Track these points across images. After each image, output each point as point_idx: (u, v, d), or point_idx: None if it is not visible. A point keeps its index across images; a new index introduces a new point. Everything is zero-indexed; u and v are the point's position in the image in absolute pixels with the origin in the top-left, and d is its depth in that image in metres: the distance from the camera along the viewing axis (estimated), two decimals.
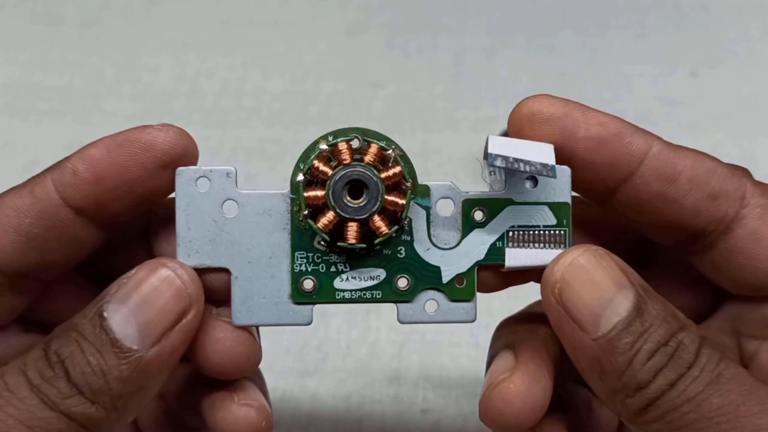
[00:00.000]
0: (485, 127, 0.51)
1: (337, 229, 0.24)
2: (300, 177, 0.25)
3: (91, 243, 0.26)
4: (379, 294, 0.26)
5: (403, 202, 0.25)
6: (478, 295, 0.26)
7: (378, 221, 0.24)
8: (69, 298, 0.27)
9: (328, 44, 0.59)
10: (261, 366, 0.37)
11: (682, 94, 0.55)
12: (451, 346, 0.42)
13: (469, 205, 0.26)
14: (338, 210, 0.24)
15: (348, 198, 0.24)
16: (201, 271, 0.25)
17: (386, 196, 0.25)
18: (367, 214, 0.24)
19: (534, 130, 0.25)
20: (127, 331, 0.22)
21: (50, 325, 0.24)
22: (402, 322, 0.26)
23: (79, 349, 0.22)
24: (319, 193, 0.24)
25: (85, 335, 0.22)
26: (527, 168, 0.24)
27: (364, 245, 0.25)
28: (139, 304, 0.23)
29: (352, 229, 0.24)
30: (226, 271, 0.25)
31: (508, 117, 0.26)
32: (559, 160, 0.25)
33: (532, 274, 0.26)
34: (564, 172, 0.25)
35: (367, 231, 0.25)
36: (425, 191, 0.26)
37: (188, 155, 0.26)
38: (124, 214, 0.25)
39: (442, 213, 0.26)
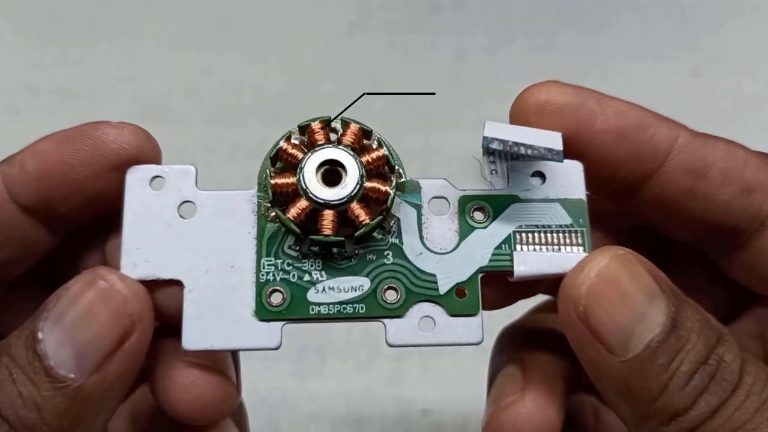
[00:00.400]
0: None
1: (311, 221, 0.21)
2: (268, 169, 0.22)
3: (42, 246, 0.23)
4: (362, 308, 0.22)
5: (387, 189, 0.21)
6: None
7: (357, 209, 0.21)
8: (26, 309, 0.23)
9: (329, 43, 0.59)
10: (261, 366, 0.37)
11: (682, 94, 0.55)
12: (452, 347, 0.42)
13: (467, 203, 0.22)
14: (311, 195, 0.21)
15: (322, 183, 0.21)
16: (150, 284, 0.21)
17: (367, 183, 0.21)
18: (345, 200, 0.21)
19: (543, 123, 0.22)
20: (63, 356, 0.19)
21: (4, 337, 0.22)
22: (391, 345, 0.22)
23: (9, 378, 0.19)
24: (289, 179, 0.21)
25: (17, 361, 0.19)
26: (529, 152, 0.20)
27: (341, 238, 0.21)
28: (75, 325, 0.19)
29: (327, 219, 0.21)
30: (180, 284, 0.21)
31: (510, 108, 0.23)
32: (572, 155, 0.22)
33: (541, 284, 0.23)
34: (576, 167, 0.22)
35: (345, 223, 0.21)
36: (415, 188, 0.22)
37: (145, 157, 0.23)
38: (75, 216, 0.23)
39: (436, 213, 0.22)
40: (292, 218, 0.21)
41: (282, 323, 0.21)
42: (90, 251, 0.24)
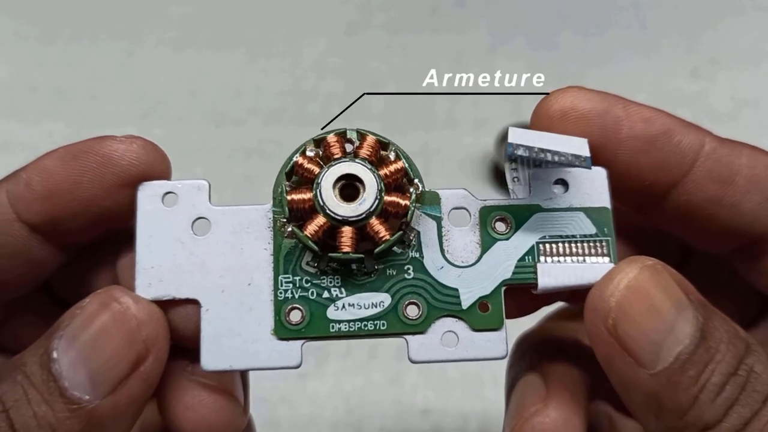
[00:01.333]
0: (486, 127, 0.51)
1: (329, 237, 0.21)
2: (283, 183, 0.21)
3: (50, 264, 0.23)
4: (383, 325, 0.21)
5: (407, 203, 0.21)
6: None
7: (377, 225, 0.20)
8: (35, 325, 0.23)
9: (328, 43, 0.59)
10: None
11: (682, 94, 0.55)
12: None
13: (488, 214, 0.21)
14: (328, 211, 0.20)
15: (340, 198, 0.21)
16: (165, 304, 0.21)
17: (386, 197, 0.21)
18: (363, 216, 0.20)
19: (567, 130, 0.21)
20: (77, 378, 0.19)
21: (16, 353, 0.21)
22: (414, 361, 0.21)
23: (24, 398, 0.19)
24: (306, 195, 0.21)
25: (32, 380, 0.19)
26: (555, 159, 0.20)
27: (361, 256, 0.20)
28: (89, 348, 0.19)
29: (345, 236, 0.20)
30: (196, 302, 0.21)
31: (531, 115, 0.22)
32: (597, 163, 0.21)
33: (563, 293, 0.22)
34: (600, 174, 0.21)
35: (364, 238, 0.21)
36: (434, 199, 0.22)
37: (155, 172, 0.22)
38: (84, 233, 0.22)
39: (457, 225, 0.22)
40: (309, 236, 0.20)
41: (302, 342, 0.21)
42: (100, 268, 0.24)
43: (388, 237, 0.20)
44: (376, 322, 0.21)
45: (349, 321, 0.21)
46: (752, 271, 0.23)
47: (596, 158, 0.21)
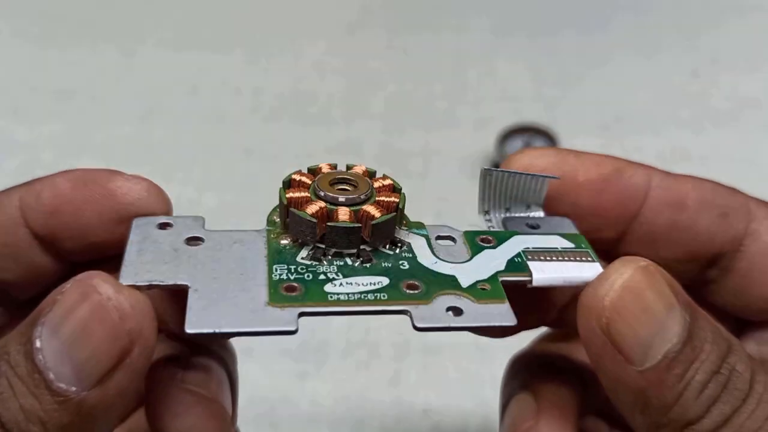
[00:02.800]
0: (486, 127, 0.51)
1: (327, 219, 0.21)
2: (279, 206, 0.22)
3: (50, 273, 0.23)
4: (384, 296, 0.20)
5: (397, 200, 0.21)
6: None
7: (371, 208, 0.21)
8: None
9: (328, 43, 0.59)
10: (260, 366, 0.37)
11: (682, 94, 0.55)
12: (452, 346, 0.42)
13: (473, 236, 0.23)
14: (326, 196, 0.21)
15: (336, 190, 0.22)
16: (151, 293, 0.20)
17: (378, 197, 0.22)
18: (359, 199, 0.21)
19: None
20: (63, 370, 0.18)
21: None
22: (418, 328, 0.20)
23: (10, 390, 0.18)
24: (303, 193, 0.21)
25: (17, 371, 0.18)
26: (529, 177, 0.22)
27: (358, 225, 0.21)
28: (72, 340, 0.19)
29: (343, 212, 0.21)
30: (184, 289, 0.20)
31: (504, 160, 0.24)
32: (564, 209, 0.23)
33: (547, 315, 0.24)
34: (565, 221, 0.23)
35: (360, 222, 0.21)
36: (420, 225, 0.23)
37: (153, 213, 0.22)
38: (81, 255, 0.23)
39: (444, 243, 0.22)
40: (310, 213, 0.21)
41: (299, 309, 0.20)
42: None
43: (381, 215, 0.21)
44: (376, 294, 0.20)
45: (348, 293, 0.20)
46: (718, 292, 0.25)
47: (561, 202, 0.23)
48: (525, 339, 0.29)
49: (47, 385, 0.18)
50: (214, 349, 0.25)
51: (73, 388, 0.18)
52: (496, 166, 0.50)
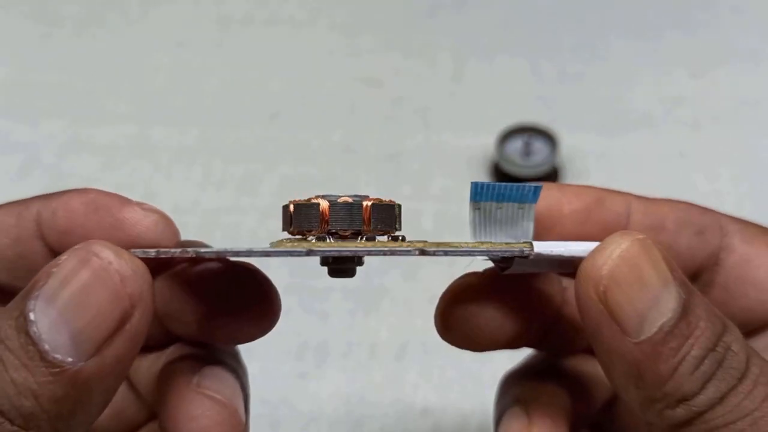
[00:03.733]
0: (486, 127, 0.51)
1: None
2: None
3: None
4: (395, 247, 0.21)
5: (396, 203, 0.23)
6: None
7: (370, 201, 0.22)
8: None
9: (328, 43, 0.59)
10: (260, 366, 0.37)
11: (682, 94, 0.55)
12: (452, 347, 0.42)
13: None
14: (329, 198, 0.22)
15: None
16: (150, 262, 0.21)
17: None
18: (362, 197, 0.22)
19: None
20: (59, 340, 0.18)
21: None
22: (425, 253, 0.21)
23: (1, 365, 0.18)
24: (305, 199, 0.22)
25: (8, 345, 0.18)
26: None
27: (360, 203, 0.22)
28: (69, 307, 0.18)
29: (344, 199, 0.22)
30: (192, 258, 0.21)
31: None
32: (552, 239, 0.24)
33: (526, 335, 0.25)
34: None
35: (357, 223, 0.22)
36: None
37: (161, 245, 0.23)
38: None
39: None
40: (321, 204, 0.21)
41: (308, 248, 0.20)
42: None
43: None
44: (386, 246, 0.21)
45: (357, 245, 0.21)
46: None
47: (549, 234, 0.24)
48: (510, 362, 0.29)
49: (42, 356, 0.18)
50: (228, 361, 0.25)
51: (69, 359, 0.18)
52: (496, 166, 0.50)
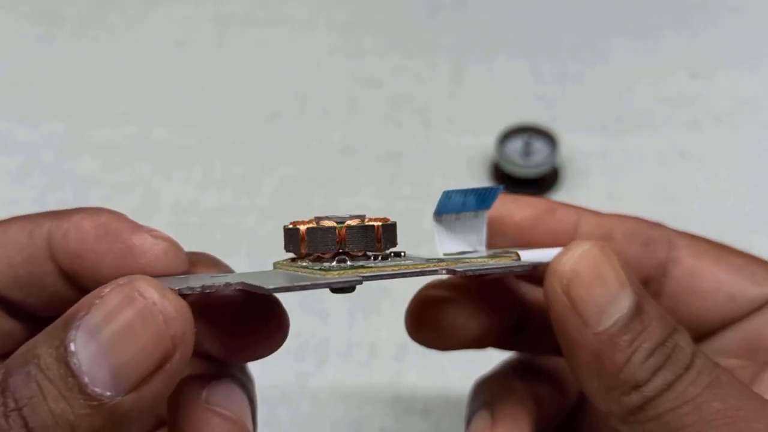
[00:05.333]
0: (486, 127, 0.51)
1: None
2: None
3: (74, 301, 0.22)
4: (421, 264, 0.23)
5: (390, 219, 0.24)
6: None
7: (374, 220, 0.23)
8: None
9: (328, 43, 0.59)
10: (260, 365, 0.37)
11: (682, 94, 0.55)
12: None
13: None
14: (333, 219, 0.23)
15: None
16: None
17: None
18: (359, 215, 0.23)
19: None
20: (99, 374, 0.18)
21: None
22: (450, 269, 0.23)
23: (40, 394, 0.18)
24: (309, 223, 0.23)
25: (48, 375, 0.18)
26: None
27: (373, 224, 0.23)
28: (112, 343, 0.19)
29: (353, 221, 0.23)
30: (234, 294, 0.21)
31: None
32: (504, 245, 0.26)
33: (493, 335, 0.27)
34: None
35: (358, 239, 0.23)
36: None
37: (171, 272, 0.23)
38: None
39: None
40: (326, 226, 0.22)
41: (357, 275, 0.22)
42: None
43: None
44: (412, 263, 0.23)
45: (385, 265, 0.23)
46: None
47: (501, 239, 0.26)
48: (483, 369, 0.30)
49: (81, 389, 0.18)
50: (235, 373, 0.25)
51: (108, 393, 0.18)
52: (496, 166, 0.50)
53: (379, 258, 0.23)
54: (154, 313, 0.19)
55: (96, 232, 0.23)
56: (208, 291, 0.20)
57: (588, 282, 0.22)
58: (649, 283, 0.26)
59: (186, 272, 0.23)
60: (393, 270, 0.22)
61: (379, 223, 0.23)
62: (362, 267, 0.22)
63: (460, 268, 0.23)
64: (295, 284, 0.20)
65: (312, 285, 0.20)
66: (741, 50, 0.57)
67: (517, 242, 0.26)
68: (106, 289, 0.19)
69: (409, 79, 0.56)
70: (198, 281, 0.21)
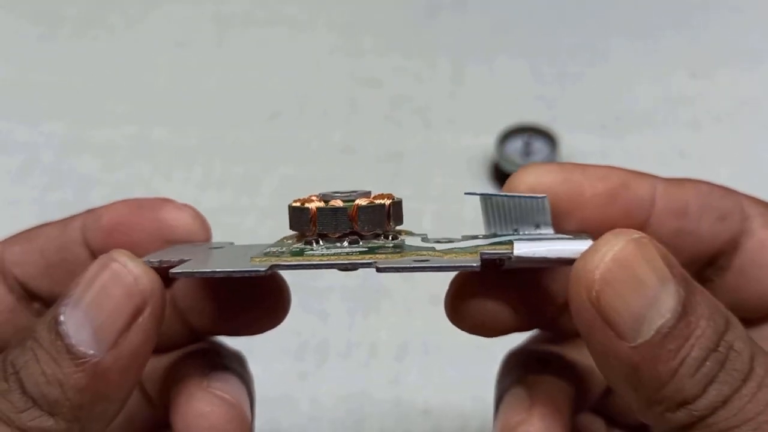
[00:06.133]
0: (486, 127, 0.51)
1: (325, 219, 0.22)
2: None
3: None
4: (357, 253, 0.22)
5: (392, 199, 0.23)
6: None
7: (362, 200, 0.22)
8: None
9: (328, 43, 0.59)
10: (260, 366, 0.37)
11: (682, 94, 0.55)
12: (452, 347, 0.42)
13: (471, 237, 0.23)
14: (324, 198, 0.22)
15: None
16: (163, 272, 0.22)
17: (374, 195, 0.23)
18: (353, 199, 0.22)
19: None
20: (83, 334, 0.20)
21: None
22: (380, 269, 0.21)
23: (34, 358, 0.20)
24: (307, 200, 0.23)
25: (41, 342, 0.21)
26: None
27: (344, 207, 0.22)
28: (91, 305, 0.21)
29: (335, 202, 0.22)
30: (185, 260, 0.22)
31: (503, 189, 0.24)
32: (573, 225, 0.23)
33: (540, 318, 0.24)
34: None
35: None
36: (410, 233, 0.24)
37: (195, 238, 0.25)
38: None
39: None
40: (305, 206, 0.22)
41: (273, 262, 0.21)
42: None
43: (378, 201, 0.22)
44: (350, 252, 0.22)
45: (323, 254, 0.22)
46: (718, 291, 0.25)
47: (570, 218, 0.23)
48: (514, 339, 0.29)
49: (68, 349, 0.20)
50: (235, 367, 0.26)
51: (91, 351, 0.20)
52: (496, 166, 0.50)
53: (390, 238, 0.22)
54: (125, 271, 0.21)
55: (129, 209, 0.25)
56: (165, 265, 0.22)
57: (622, 290, 0.19)
58: (719, 258, 0.24)
59: (208, 240, 0.25)
60: (311, 262, 0.21)
61: (389, 201, 0.22)
62: (376, 251, 0.21)
63: (403, 264, 0.20)
64: (198, 269, 0.22)
65: (211, 272, 0.22)
66: (741, 50, 0.57)
67: (587, 221, 0.23)
68: (88, 267, 0.22)
69: (409, 79, 0.56)
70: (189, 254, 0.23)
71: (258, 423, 0.27)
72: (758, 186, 0.49)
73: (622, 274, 0.19)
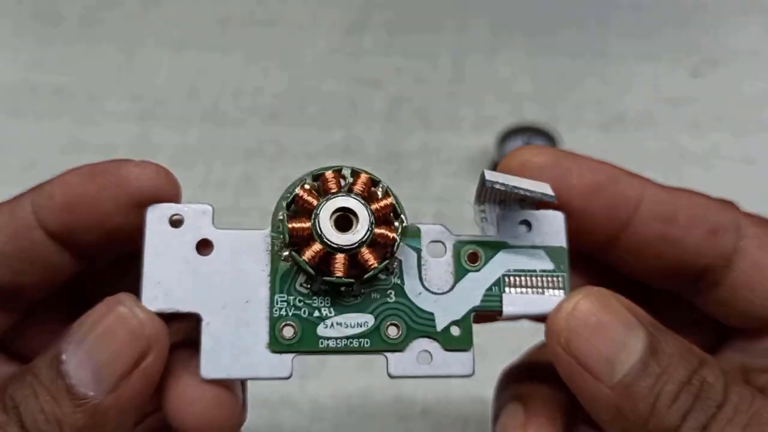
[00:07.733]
0: (486, 127, 0.51)
1: (323, 263, 0.23)
2: (283, 211, 0.24)
3: (67, 270, 0.24)
4: (367, 342, 0.24)
5: (394, 235, 0.23)
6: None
7: (367, 254, 0.23)
8: (52, 331, 0.25)
9: (328, 43, 0.59)
10: None
11: (682, 94, 0.55)
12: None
13: (461, 247, 0.24)
14: (325, 239, 0.22)
15: (335, 228, 0.23)
16: (168, 317, 0.23)
17: (376, 229, 0.23)
18: (356, 245, 0.22)
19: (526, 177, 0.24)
20: (83, 376, 0.20)
21: (33, 358, 0.23)
22: (392, 376, 0.24)
23: (33, 394, 0.20)
24: (305, 224, 0.23)
25: (41, 379, 0.21)
26: (527, 194, 0.23)
27: (351, 281, 0.23)
28: (94, 346, 0.21)
29: (339, 262, 0.23)
30: (197, 316, 0.23)
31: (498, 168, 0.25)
32: (555, 206, 0.24)
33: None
34: (558, 217, 0.24)
35: (355, 265, 0.23)
36: (415, 233, 0.24)
37: (165, 195, 0.24)
38: (99, 246, 0.24)
39: (434, 256, 0.24)
40: (307, 260, 0.22)
41: (293, 355, 0.23)
42: (117, 279, 0.25)
43: (376, 265, 0.23)
44: (360, 340, 0.23)
45: (336, 338, 0.23)
46: (705, 302, 0.25)
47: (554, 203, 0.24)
48: (522, 339, 0.29)
49: (68, 389, 0.20)
50: None
51: (91, 393, 0.20)
52: (495, 165, 0.50)
53: (350, 297, 0.23)
54: (131, 316, 0.21)
55: (82, 179, 0.24)
56: (173, 311, 0.23)
57: (587, 335, 0.21)
58: (709, 273, 0.25)
59: (177, 194, 0.24)
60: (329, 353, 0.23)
61: (368, 268, 0.23)
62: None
63: (395, 371, 0.24)
64: (231, 377, 0.23)
65: (243, 378, 0.24)
66: (741, 50, 0.57)
67: (569, 207, 0.24)
68: (94, 308, 0.21)
69: (409, 79, 0.56)
70: (188, 237, 0.24)
71: (260, 424, 0.27)
72: (758, 186, 0.49)
73: (586, 321, 0.21)
